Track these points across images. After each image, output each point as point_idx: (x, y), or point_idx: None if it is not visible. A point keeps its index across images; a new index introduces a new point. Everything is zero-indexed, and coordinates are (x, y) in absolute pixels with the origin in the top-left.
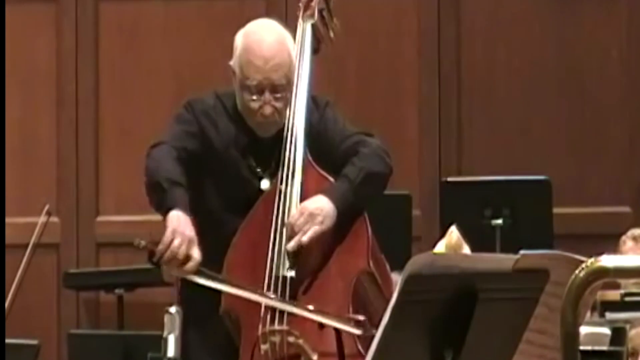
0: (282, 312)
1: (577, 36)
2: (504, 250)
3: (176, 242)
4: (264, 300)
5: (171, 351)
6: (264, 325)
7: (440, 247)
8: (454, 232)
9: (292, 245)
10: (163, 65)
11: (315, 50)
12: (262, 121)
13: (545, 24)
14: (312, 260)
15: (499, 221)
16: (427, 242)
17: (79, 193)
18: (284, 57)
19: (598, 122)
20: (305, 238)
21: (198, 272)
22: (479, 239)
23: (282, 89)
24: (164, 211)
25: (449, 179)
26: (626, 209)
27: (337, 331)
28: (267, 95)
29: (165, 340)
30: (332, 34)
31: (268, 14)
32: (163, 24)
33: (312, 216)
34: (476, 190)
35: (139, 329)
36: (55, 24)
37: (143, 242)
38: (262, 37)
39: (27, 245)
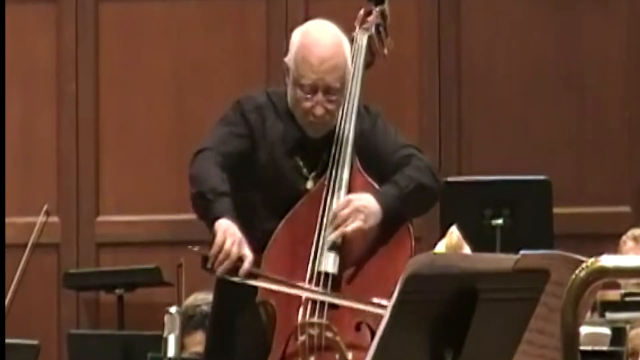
0: (322, 306)
1: (577, 36)
2: (504, 250)
3: (228, 243)
4: (319, 297)
5: (171, 351)
6: (303, 317)
7: (441, 247)
8: (454, 232)
9: (333, 236)
10: (163, 65)
11: (368, 64)
12: (313, 121)
13: (546, 23)
14: (353, 261)
15: (499, 221)
16: (427, 242)
17: (79, 193)
18: (340, 60)
19: (598, 122)
20: (348, 229)
21: (253, 275)
22: (479, 239)
23: (335, 91)
24: (211, 221)
25: (449, 179)
26: (626, 209)
27: (373, 333)
28: (320, 96)
29: (165, 340)
30: (386, 51)
31: (268, 14)
32: (163, 24)
33: (357, 210)
34: (476, 190)
35: (139, 329)
36: (55, 23)
37: (197, 248)
38: (320, 37)
39: (27, 245)
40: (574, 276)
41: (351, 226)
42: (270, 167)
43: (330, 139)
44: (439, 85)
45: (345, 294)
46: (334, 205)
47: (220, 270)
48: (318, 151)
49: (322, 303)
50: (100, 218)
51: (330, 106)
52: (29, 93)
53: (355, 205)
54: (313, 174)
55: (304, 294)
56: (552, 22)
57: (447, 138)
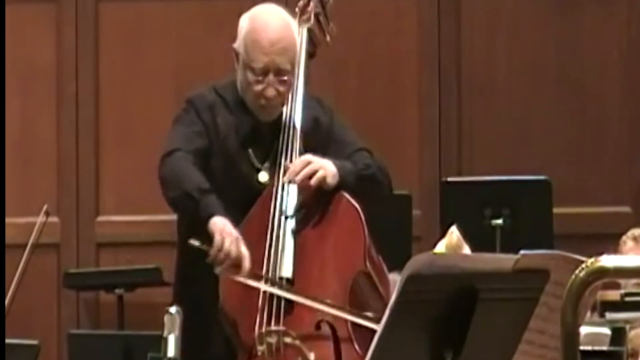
0: (278, 312)
1: (577, 36)
2: (504, 250)
3: (227, 243)
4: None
5: (171, 351)
6: (260, 327)
7: (441, 247)
8: (454, 233)
9: (296, 178)
10: (163, 65)
11: (311, 55)
12: (264, 104)
13: (546, 23)
14: (308, 261)
15: (499, 221)
16: (427, 242)
17: (79, 193)
18: (289, 42)
19: (598, 122)
20: (313, 180)
21: (254, 276)
22: (479, 239)
23: (286, 72)
24: (203, 220)
25: (449, 179)
26: (626, 209)
27: (334, 330)
28: (271, 77)
29: (165, 340)
30: (328, 38)
31: None
32: (163, 24)
33: (312, 166)
34: (476, 190)
35: (139, 329)
36: (55, 24)
37: (197, 242)
38: (269, 20)
39: (27, 245)
40: (574, 276)
41: (315, 177)
42: (224, 162)
43: (279, 128)
44: (439, 85)
45: (305, 294)
46: (285, 206)
47: (219, 269)
48: (269, 141)
49: (278, 310)
50: (100, 218)
51: (281, 88)
52: (29, 93)
53: (310, 161)
54: (266, 164)
55: (309, 303)
56: (552, 22)
57: (447, 138)
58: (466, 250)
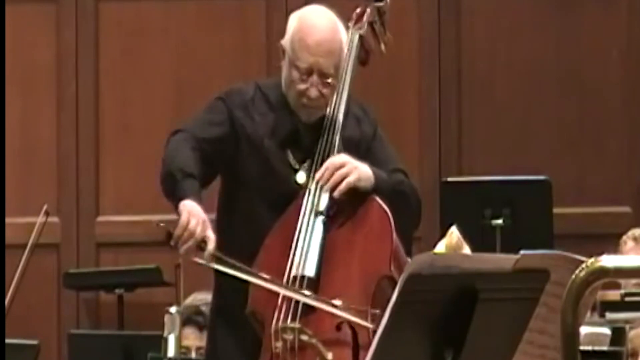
0: (296, 309)
1: (577, 36)
2: (504, 250)
3: (192, 223)
4: (282, 291)
5: (171, 351)
6: (277, 322)
7: (441, 248)
8: (454, 233)
9: (326, 186)
10: (163, 65)
11: (362, 62)
12: (306, 103)
13: (546, 23)
14: (334, 262)
15: (499, 221)
16: (427, 242)
17: (79, 193)
18: (335, 45)
19: (598, 122)
20: (343, 186)
21: (218, 260)
22: (479, 239)
23: (330, 76)
24: (176, 201)
25: (449, 179)
26: (626, 209)
27: (354, 332)
28: (315, 78)
29: (165, 340)
30: (383, 47)
31: (268, 14)
32: (163, 24)
33: (342, 172)
34: (476, 190)
35: (139, 329)
36: (56, 23)
37: (162, 223)
38: (317, 21)
39: (27, 245)
40: (574, 276)
41: (348, 179)
42: (259, 162)
43: (320, 130)
44: (439, 85)
45: (324, 296)
46: (315, 205)
47: (183, 248)
48: (310, 142)
49: (296, 306)
50: (100, 218)
51: (324, 90)
52: (29, 93)
53: (348, 163)
54: (304, 165)
55: (272, 288)
56: (552, 22)
57: (447, 138)
58: (466, 250)
